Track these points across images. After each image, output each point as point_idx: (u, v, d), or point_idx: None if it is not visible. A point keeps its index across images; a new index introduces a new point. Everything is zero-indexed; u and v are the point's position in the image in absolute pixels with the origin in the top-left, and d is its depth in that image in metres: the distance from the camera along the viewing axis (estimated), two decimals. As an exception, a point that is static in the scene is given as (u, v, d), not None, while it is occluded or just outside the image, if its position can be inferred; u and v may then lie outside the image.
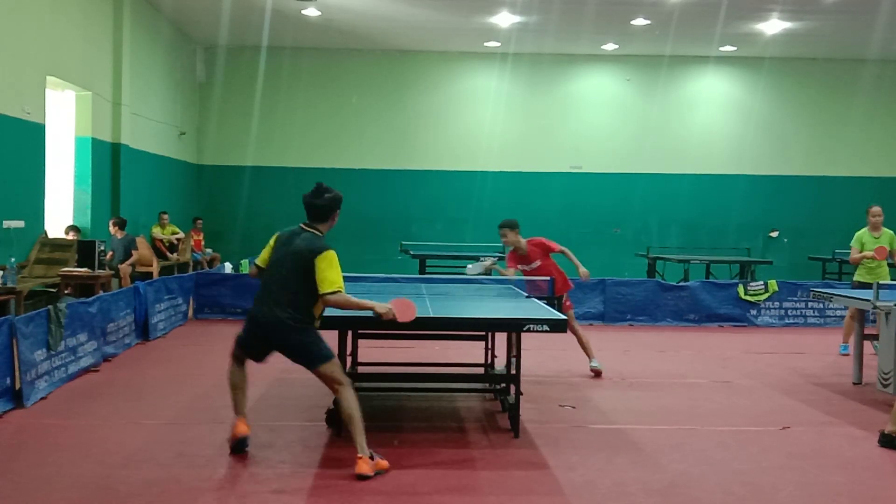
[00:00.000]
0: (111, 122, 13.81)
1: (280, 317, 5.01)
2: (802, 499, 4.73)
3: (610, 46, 18.18)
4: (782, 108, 19.30)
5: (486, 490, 4.75)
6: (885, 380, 7.68)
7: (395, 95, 19.04)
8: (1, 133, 10.27)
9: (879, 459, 5.53)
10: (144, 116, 15.17)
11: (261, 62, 18.35)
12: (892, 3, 14.37)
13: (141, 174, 14.89)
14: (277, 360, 5.17)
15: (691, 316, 12.47)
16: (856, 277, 9.69)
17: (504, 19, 15.91)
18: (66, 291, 10.47)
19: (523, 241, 8.12)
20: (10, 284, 9.10)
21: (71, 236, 11.74)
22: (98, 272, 10.60)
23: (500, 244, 9.69)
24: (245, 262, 15.09)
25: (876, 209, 9.51)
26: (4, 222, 10.39)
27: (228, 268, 15.35)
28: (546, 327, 5.40)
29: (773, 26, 16.16)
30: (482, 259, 8.53)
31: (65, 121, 12.77)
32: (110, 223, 12.67)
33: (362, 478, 4.82)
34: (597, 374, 8.29)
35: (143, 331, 9.76)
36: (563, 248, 8.24)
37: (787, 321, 12.59)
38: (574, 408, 6.88)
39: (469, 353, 8.28)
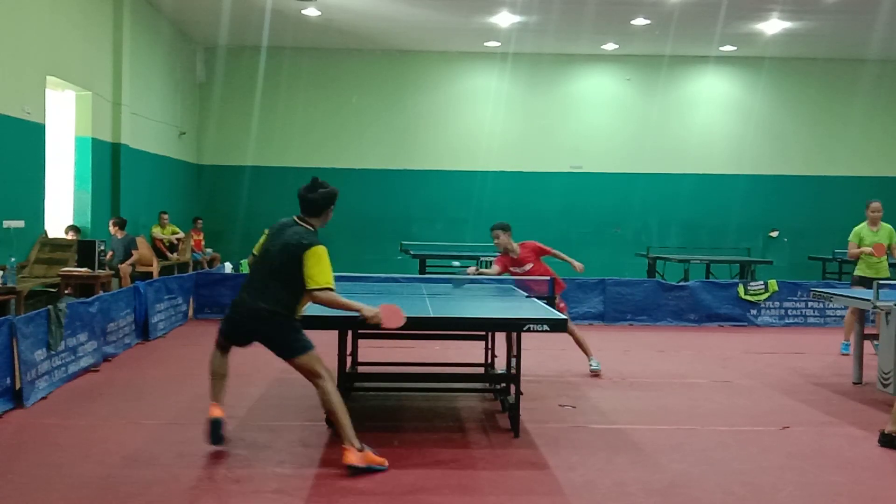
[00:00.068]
0: (111, 122, 13.81)
1: (259, 306, 4.99)
2: (802, 499, 4.73)
3: (610, 46, 18.18)
4: (782, 108, 19.30)
5: (486, 490, 4.75)
6: (885, 380, 7.68)
7: (395, 95, 19.03)
8: (1, 133, 10.27)
9: (879, 459, 5.53)
10: (144, 116, 15.16)
11: (261, 62, 18.34)
12: (892, 3, 14.37)
13: (141, 174, 14.89)
14: (277, 360, 5.16)
15: (691, 316, 12.48)
16: (856, 272, 9.71)
17: (504, 19, 15.91)
18: (66, 291, 10.47)
19: (515, 244, 8.11)
20: (10, 284, 9.11)
21: (71, 236, 11.75)
22: (98, 272, 10.61)
23: (500, 245, 9.67)
24: (245, 262, 15.09)
25: (875, 204, 9.55)
26: (4, 222, 10.39)
27: (228, 268, 15.38)
28: (546, 327, 5.40)
29: (773, 26, 16.16)
30: (466, 273, 8.50)
31: (65, 121, 12.77)
32: (110, 223, 12.67)
33: (352, 468, 4.83)
34: (595, 374, 8.29)
35: (144, 331, 9.77)
36: (553, 250, 8.26)
37: (787, 321, 12.59)
38: (574, 408, 6.88)
39: (469, 353, 8.28)
